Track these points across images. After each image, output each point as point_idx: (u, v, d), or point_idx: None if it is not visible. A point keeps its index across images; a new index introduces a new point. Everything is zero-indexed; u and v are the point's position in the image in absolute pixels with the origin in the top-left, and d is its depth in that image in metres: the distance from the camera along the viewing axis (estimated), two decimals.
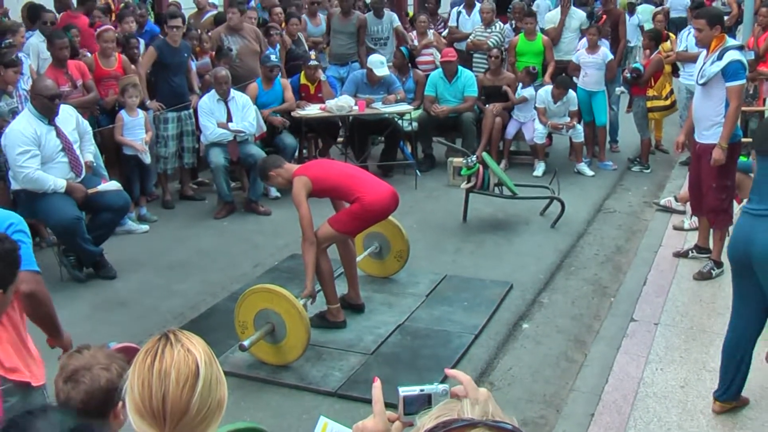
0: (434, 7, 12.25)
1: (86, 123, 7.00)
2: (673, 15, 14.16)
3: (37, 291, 3.12)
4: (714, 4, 13.92)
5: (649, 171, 9.73)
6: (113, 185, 6.90)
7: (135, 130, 7.93)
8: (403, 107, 9.37)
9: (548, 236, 7.58)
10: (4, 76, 6.92)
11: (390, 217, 6.01)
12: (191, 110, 8.59)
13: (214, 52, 9.41)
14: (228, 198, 8.36)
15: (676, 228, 7.57)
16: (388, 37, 10.83)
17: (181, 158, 8.65)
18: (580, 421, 4.54)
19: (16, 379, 3.00)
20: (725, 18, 8.64)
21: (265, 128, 8.82)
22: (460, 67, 9.71)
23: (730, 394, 4.45)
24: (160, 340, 1.87)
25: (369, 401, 1.70)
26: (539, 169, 9.55)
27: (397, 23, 11.03)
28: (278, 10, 11.02)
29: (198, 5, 11.11)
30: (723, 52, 6.15)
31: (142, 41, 9.14)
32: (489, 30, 10.71)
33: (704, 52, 6.45)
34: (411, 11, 15.79)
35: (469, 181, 7.70)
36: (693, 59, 7.94)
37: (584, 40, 9.98)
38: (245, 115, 8.34)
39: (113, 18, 9.87)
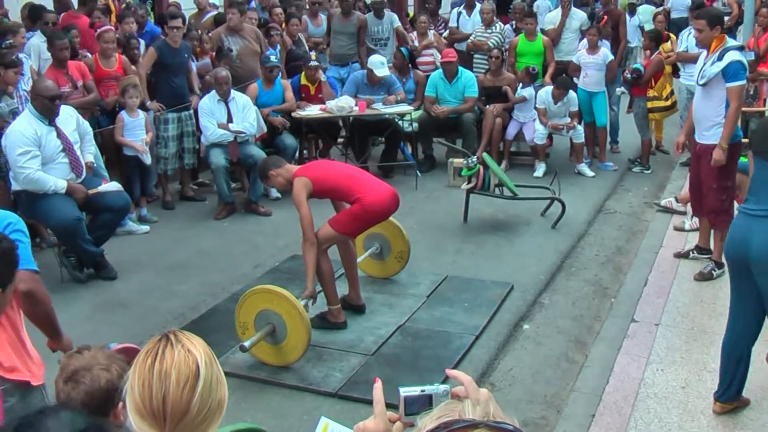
0: (435, 7, 12.25)
1: (87, 124, 7.00)
2: (674, 15, 14.15)
3: (34, 290, 3.12)
4: (714, 4, 13.93)
5: (649, 172, 9.72)
6: (114, 186, 6.90)
7: (135, 130, 7.93)
8: (404, 108, 9.37)
9: (549, 237, 7.58)
10: (4, 76, 6.92)
11: (391, 218, 6.01)
12: (191, 111, 8.59)
13: (214, 53, 9.41)
14: (228, 199, 8.36)
15: (676, 229, 7.57)
16: (389, 37, 10.83)
17: (181, 159, 8.65)
18: (581, 422, 4.54)
19: (15, 378, 3.00)
20: (725, 18, 8.65)
21: (265, 129, 8.82)
22: (460, 68, 9.71)
23: (729, 395, 4.45)
24: (160, 341, 1.87)
25: (370, 402, 1.70)
26: (540, 169, 9.55)
27: (398, 24, 11.03)
28: (278, 10, 11.03)
29: (198, 6, 11.11)
30: (723, 53, 6.15)
31: (142, 42, 9.15)
32: (489, 30, 10.71)
33: (704, 52, 6.45)
34: (411, 12, 15.79)
35: (469, 182, 7.70)
36: (693, 60, 7.94)
37: (585, 40, 9.98)
38: (245, 115, 8.34)
39: (114, 19, 9.87)
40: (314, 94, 9.48)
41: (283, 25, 10.65)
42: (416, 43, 10.87)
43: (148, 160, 8.00)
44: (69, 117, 6.62)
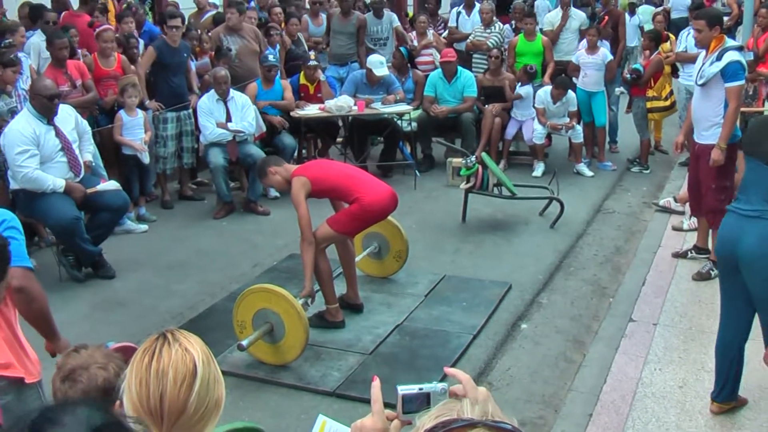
0: (434, 7, 12.26)
1: (85, 123, 7.00)
2: (674, 16, 14.14)
3: (27, 286, 3.11)
4: (714, 5, 13.92)
5: (648, 171, 9.73)
6: (112, 185, 6.90)
7: (134, 130, 7.93)
8: (403, 107, 9.37)
9: (547, 237, 7.58)
10: (2, 75, 6.92)
11: (389, 217, 6.00)
12: (190, 110, 8.59)
13: (213, 52, 9.41)
14: (227, 198, 8.36)
15: (675, 228, 7.57)
16: (388, 37, 10.83)
17: (180, 158, 8.65)
18: (579, 422, 4.54)
19: (9, 375, 3.00)
20: (725, 19, 8.65)
21: (264, 128, 8.81)
22: (459, 68, 9.71)
23: (725, 395, 4.45)
24: (158, 340, 1.87)
25: (367, 401, 1.70)
26: (538, 169, 9.55)
27: (397, 23, 11.03)
28: (278, 10, 11.03)
29: (198, 5, 11.11)
30: (722, 53, 6.16)
31: (141, 41, 9.14)
32: (488, 30, 10.72)
33: (703, 52, 6.46)
34: (411, 11, 15.79)
35: (468, 182, 7.70)
36: (692, 60, 7.94)
37: (584, 40, 9.99)
38: (244, 115, 8.34)
39: (112, 18, 9.86)
40: (313, 94, 9.48)
41: (283, 24, 10.65)
42: (415, 43, 10.88)
43: (146, 159, 8.00)
44: (68, 116, 6.62)
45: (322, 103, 9.15)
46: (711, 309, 5.87)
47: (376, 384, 1.66)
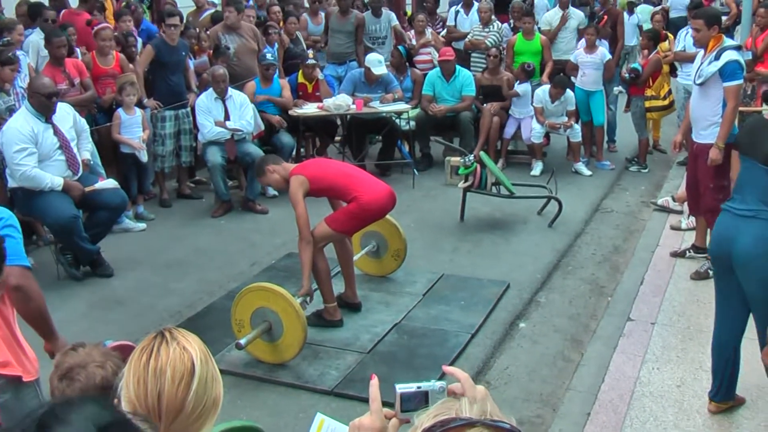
0: (432, 6, 12.26)
1: (83, 121, 7.00)
2: (673, 15, 14.13)
3: (25, 285, 3.10)
4: (712, 4, 13.92)
5: (646, 171, 9.73)
6: (110, 183, 6.90)
7: (132, 128, 7.92)
8: (401, 106, 9.36)
9: (545, 236, 7.58)
10: (0, 74, 6.91)
11: (387, 216, 6.00)
12: (189, 109, 8.58)
13: (211, 51, 9.40)
14: (225, 197, 8.35)
15: (673, 228, 7.58)
16: (386, 36, 10.83)
17: (178, 157, 8.64)
18: (577, 421, 4.54)
19: (7, 373, 2.99)
20: (723, 18, 8.64)
21: (262, 127, 8.81)
22: (457, 67, 9.71)
23: (723, 394, 4.46)
24: (155, 338, 1.87)
25: (365, 400, 1.70)
26: (537, 168, 9.55)
27: (395, 22, 11.02)
28: (276, 8, 11.02)
29: (196, 3, 11.09)
30: (720, 52, 6.16)
31: (139, 40, 9.13)
32: (487, 29, 10.72)
33: (702, 52, 6.46)
34: (409, 10, 15.78)
35: (466, 181, 7.70)
36: (691, 59, 7.95)
37: (583, 39, 9.99)
38: (243, 113, 8.33)
39: (110, 16, 9.85)
40: (311, 93, 9.47)
41: (281, 23, 10.65)
42: (414, 42, 10.88)
43: (144, 157, 7.99)
44: (66, 114, 6.61)
45: (321, 101, 9.15)
46: (709, 308, 5.85)
47: (374, 383, 1.66)
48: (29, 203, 6.39)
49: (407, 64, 10.26)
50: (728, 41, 6.44)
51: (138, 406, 1.77)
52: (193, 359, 1.84)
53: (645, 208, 8.47)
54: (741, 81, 6.32)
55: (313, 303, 5.60)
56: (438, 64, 9.94)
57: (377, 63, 9.31)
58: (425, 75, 9.97)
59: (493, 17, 10.88)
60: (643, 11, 12.77)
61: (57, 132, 6.44)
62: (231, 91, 8.36)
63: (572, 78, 9.89)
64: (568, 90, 9.51)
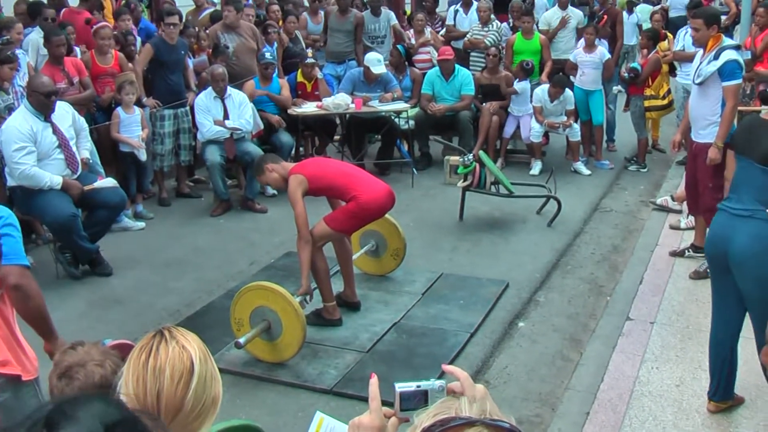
0: (432, 5, 12.26)
1: (83, 120, 6.99)
2: (672, 14, 14.12)
3: (24, 284, 3.10)
4: (712, 3, 13.92)
5: (645, 170, 9.73)
6: (109, 182, 6.89)
7: (131, 127, 7.92)
8: (400, 105, 9.36)
9: (545, 235, 7.58)
10: None
11: (387, 216, 6.00)
12: (188, 108, 8.58)
13: (211, 50, 9.40)
14: (224, 196, 8.35)
15: (672, 227, 7.58)
16: (385, 35, 10.82)
17: (177, 156, 8.64)
18: (576, 420, 4.54)
19: (6, 372, 2.99)
20: (722, 18, 8.64)
21: (261, 126, 8.81)
22: (457, 66, 9.71)
23: (721, 393, 4.46)
24: (155, 337, 1.87)
25: (365, 399, 1.69)
26: (536, 167, 9.55)
27: (395, 21, 11.02)
28: (275, 7, 11.02)
29: (196, 2, 11.08)
30: (720, 52, 6.16)
31: (138, 38, 9.12)
32: (486, 29, 10.72)
33: (701, 51, 6.46)
34: (408, 9, 15.78)
35: (465, 180, 7.69)
36: (690, 59, 7.95)
37: (582, 39, 9.99)
38: (242, 112, 8.33)
39: (109, 15, 9.84)
40: (311, 92, 9.47)
41: (280, 22, 10.64)
42: (413, 41, 10.87)
43: (143, 156, 7.99)
44: (65, 113, 6.60)
45: (320, 100, 9.15)
46: (708, 308, 5.81)
47: (374, 381, 1.66)
48: (28, 202, 6.38)
49: (406, 63, 10.25)
50: (727, 41, 6.44)
51: (137, 405, 1.77)
52: (192, 358, 1.84)
53: (644, 208, 8.47)
54: (740, 80, 6.32)
55: (313, 302, 5.59)
56: (437, 64, 9.94)
57: (376, 62, 9.31)
58: (424, 74, 9.97)
59: (492, 16, 10.88)
60: (643, 11, 12.76)
61: (56, 131, 6.43)
62: (230, 90, 8.36)
63: (571, 77, 9.89)
64: (567, 89, 9.51)
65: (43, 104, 6.30)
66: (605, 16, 11.12)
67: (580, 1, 13.07)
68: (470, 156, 7.78)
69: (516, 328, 5.81)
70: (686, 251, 6.83)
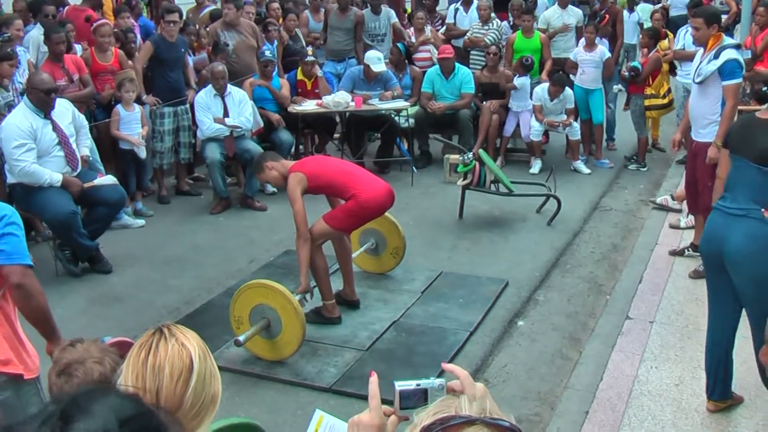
0: (432, 3, 12.24)
1: (82, 117, 6.99)
2: (673, 13, 14.11)
3: (25, 283, 3.09)
4: (712, 2, 13.91)
5: (645, 169, 9.73)
6: (109, 179, 6.89)
7: (131, 124, 7.92)
8: (400, 104, 9.36)
9: (544, 234, 7.58)
10: None
11: (386, 214, 6.00)
12: (188, 105, 8.57)
13: (210, 48, 9.39)
14: (224, 193, 8.34)
15: (672, 226, 7.58)
16: (386, 33, 10.82)
17: (177, 153, 8.63)
18: (575, 419, 4.54)
19: (8, 371, 3.00)
20: (723, 17, 8.63)
21: (261, 124, 8.81)
22: (457, 64, 9.70)
23: (719, 393, 4.47)
24: (154, 335, 1.87)
25: (364, 397, 1.69)
26: (536, 166, 9.55)
27: (395, 19, 11.01)
28: (276, 5, 11.01)
29: (197, 0, 11.08)
30: (720, 51, 6.16)
31: (138, 36, 9.11)
32: (486, 27, 10.72)
33: (701, 50, 6.46)
34: (409, 8, 15.77)
35: (465, 178, 7.69)
36: (690, 58, 7.94)
37: (583, 38, 9.98)
38: (242, 110, 8.33)
39: (111, 12, 9.83)
40: (311, 90, 9.47)
41: (280, 20, 10.64)
42: (413, 39, 10.87)
43: (143, 153, 7.99)
44: (65, 110, 6.60)
45: (320, 98, 9.14)
46: (708, 307, 5.87)
47: (373, 380, 1.66)
48: (28, 199, 6.38)
49: (406, 61, 10.24)
50: (728, 40, 6.43)
51: None
52: (191, 356, 1.84)
53: (644, 207, 8.47)
54: (740, 80, 6.32)
55: (312, 300, 5.59)
56: (437, 62, 9.93)
57: (376, 60, 9.30)
58: (424, 72, 9.97)
59: (492, 15, 10.88)
60: (644, 9, 12.76)
61: (56, 128, 6.43)
62: (230, 87, 8.35)
63: (571, 76, 9.89)
64: (567, 88, 9.51)
65: (43, 101, 6.29)
66: (607, 16, 11.11)
67: (580, 0, 13.06)
68: (470, 154, 7.78)
69: (515, 327, 5.81)
70: (686, 250, 6.83)
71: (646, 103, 9.38)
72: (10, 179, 6.46)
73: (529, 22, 10.35)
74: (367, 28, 10.74)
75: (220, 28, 9.37)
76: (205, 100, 8.26)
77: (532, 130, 9.54)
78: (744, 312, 4.33)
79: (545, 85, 9.56)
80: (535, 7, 11.52)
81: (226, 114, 8.24)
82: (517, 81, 9.71)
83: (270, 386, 4.98)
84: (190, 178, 9.25)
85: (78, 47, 8.34)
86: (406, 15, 13.16)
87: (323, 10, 11.22)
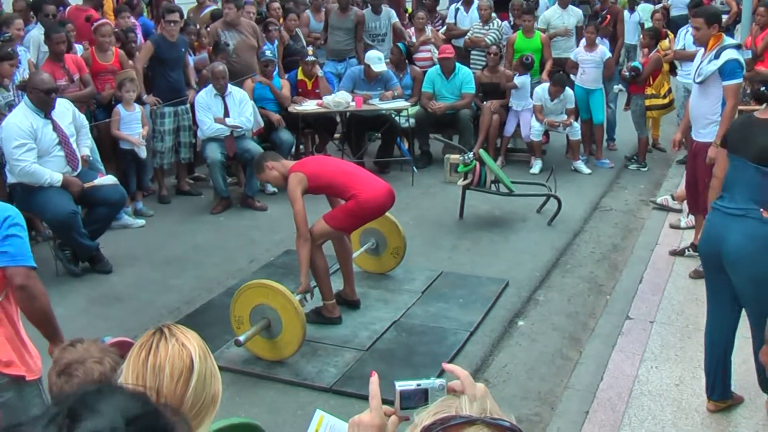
0: (432, 3, 12.24)
1: (83, 117, 6.99)
2: (673, 13, 14.11)
3: (29, 285, 3.09)
4: (713, 2, 13.90)
5: (646, 169, 9.72)
6: (109, 179, 6.89)
7: (132, 124, 7.92)
8: (401, 104, 9.36)
9: (544, 234, 7.58)
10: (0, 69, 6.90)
11: (387, 214, 6.00)
12: (188, 105, 8.57)
13: (211, 48, 9.39)
14: (224, 193, 8.34)
15: (672, 226, 7.57)
16: (386, 33, 10.82)
17: (177, 153, 8.63)
18: (575, 419, 4.54)
19: (10, 373, 3.00)
20: (723, 17, 8.63)
21: (262, 124, 8.81)
22: (457, 64, 9.70)
23: (719, 393, 4.47)
24: (154, 335, 1.87)
25: (364, 397, 1.69)
26: (536, 166, 9.54)
27: (395, 19, 11.01)
28: (276, 5, 11.02)
29: (198, 0, 11.08)
30: (720, 51, 6.16)
31: (139, 35, 9.12)
32: (487, 27, 10.72)
33: (702, 50, 6.46)
34: (409, 8, 15.77)
35: (465, 178, 7.69)
36: (691, 58, 7.94)
37: (584, 38, 9.98)
38: (242, 110, 8.33)
39: (111, 12, 9.84)
40: (311, 89, 9.47)
41: (281, 20, 10.64)
42: (414, 39, 10.86)
43: (143, 153, 7.99)
44: (65, 110, 6.60)
45: (320, 98, 9.14)
46: (706, 307, 5.87)
47: (374, 380, 1.66)
48: (28, 199, 6.37)
49: (407, 61, 10.25)
50: (728, 40, 6.44)
51: None
52: (191, 356, 1.84)
53: (644, 207, 8.47)
54: (740, 80, 6.32)
55: (312, 300, 5.59)
56: (438, 62, 9.93)
57: (377, 60, 9.30)
58: (425, 72, 9.97)
59: (493, 15, 10.88)
60: (644, 9, 12.76)
61: (56, 128, 6.43)
62: (230, 87, 8.35)
63: (572, 76, 9.89)
64: (567, 88, 9.51)
65: (43, 101, 6.29)
66: (608, 16, 11.11)
67: (581, 0, 13.05)
68: (470, 154, 7.78)
69: (516, 327, 5.81)
70: (686, 250, 6.83)
71: (647, 103, 9.38)
72: (11, 179, 6.46)
73: (530, 22, 10.35)
74: (367, 28, 10.74)
75: (221, 28, 9.37)
76: (205, 99, 8.26)
77: (533, 130, 9.54)
78: (744, 312, 4.33)
79: (546, 85, 9.56)
80: (536, 7, 11.52)
81: (226, 114, 8.24)
82: (518, 80, 9.71)
83: (270, 386, 4.98)
84: (190, 177, 9.25)
85: (78, 47, 8.34)
86: (407, 15, 13.16)
87: (324, 9, 11.23)
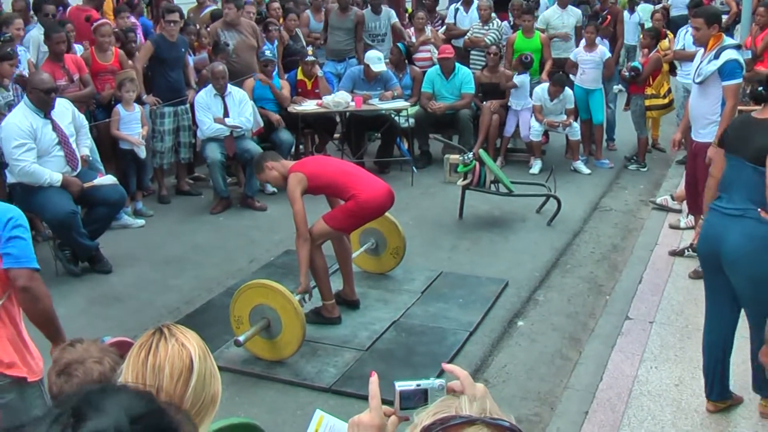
0: (432, 3, 12.24)
1: (83, 117, 6.99)
2: (673, 13, 14.11)
3: (32, 287, 3.09)
4: (712, 3, 13.90)
5: (645, 169, 9.72)
6: (109, 179, 6.89)
7: (131, 124, 7.91)
8: (400, 104, 9.36)
9: (544, 234, 7.58)
10: None
11: (387, 214, 6.00)
12: (188, 105, 8.57)
13: (211, 48, 9.39)
14: (224, 193, 8.34)
15: (672, 227, 7.57)
16: (386, 33, 10.82)
17: (177, 153, 8.63)
18: (575, 419, 4.54)
19: (12, 374, 3.00)
20: (723, 17, 8.63)
21: (261, 124, 8.81)
22: (457, 64, 9.70)
23: (718, 393, 4.47)
24: (154, 335, 1.87)
25: (363, 397, 1.69)
26: (536, 166, 9.54)
27: (395, 19, 11.01)
28: (276, 5, 11.02)
29: (197, 0, 11.08)
30: (720, 51, 6.17)
31: (138, 35, 9.12)
32: (486, 27, 10.72)
33: (701, 50, 6.46)
34: (409, 8, 15.77)
35: (465, 178, 7.69)
36: (690, 58, 7.94)
37: (583, 38, 9.98)
38: (242, 110, 8.33)
39: (111, 12, 9.84)
40: (311, 89, 9.47)
41: (281, 20, 10.64)
42: (413, 39, 10.87)
43: (143, 153, 7.98)
44: (65, 110, 6.60)
45: (320, 98, 9.14)
46: (705, 307, 5.87)
47: (374, 380, 1.66)
48: (28, 199, 6.37)
49: (406, 61, 10.25)
50: (728, 40, 6.44)
51: None
52: (191, 356, 1.84)
53: (644, 207, 8.47)
54: (740, 80, 6.33)
55: (312, 300, 5.59)
56: (437, 62, 9.93)
57: (377, 60, 9.31)
58: (424, 72, 9.97)
59: (492, 15, 10.88)
60: (644, 10, 12.76)
61: (56, 128, 6.43)
62: (230, 87, 8.35)
63: (571, 76, 9.89)
64: (567, 88, 9.51)
65: (42, 101, 6.29)
66: (608, 17, 11.11)
67: (580, 0, 13.06)
68: (470, 154, 7.77)
69: (515, 327, 5.81)
70: (686, 251, 6.83)
71: (647, 103, 9.38)
72: (10, 179, 6.46)
73: (530, 22, 10.35)
74: (367, 28, 10.75)
75: (221, 28, 9.37)
76: (205, 99, 8.26)
77: (532, 130, 9.54)
78: (743, 312, 4.33)
79: (545, 85, 9.56)
80: (536, 7, 11.52)
81: (226, 114, 8.24)
82: (517, 79, 9.71)
83: (270, 386, 4.98)
84: (190, 177, 9.25)
85: (78, 47, 8.34)
86: (407, 15, 13.17)
87: (324, 9, 11.23)
